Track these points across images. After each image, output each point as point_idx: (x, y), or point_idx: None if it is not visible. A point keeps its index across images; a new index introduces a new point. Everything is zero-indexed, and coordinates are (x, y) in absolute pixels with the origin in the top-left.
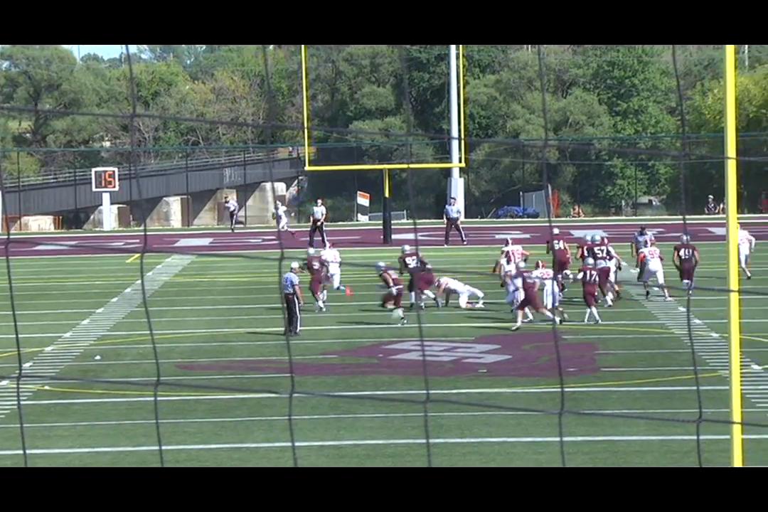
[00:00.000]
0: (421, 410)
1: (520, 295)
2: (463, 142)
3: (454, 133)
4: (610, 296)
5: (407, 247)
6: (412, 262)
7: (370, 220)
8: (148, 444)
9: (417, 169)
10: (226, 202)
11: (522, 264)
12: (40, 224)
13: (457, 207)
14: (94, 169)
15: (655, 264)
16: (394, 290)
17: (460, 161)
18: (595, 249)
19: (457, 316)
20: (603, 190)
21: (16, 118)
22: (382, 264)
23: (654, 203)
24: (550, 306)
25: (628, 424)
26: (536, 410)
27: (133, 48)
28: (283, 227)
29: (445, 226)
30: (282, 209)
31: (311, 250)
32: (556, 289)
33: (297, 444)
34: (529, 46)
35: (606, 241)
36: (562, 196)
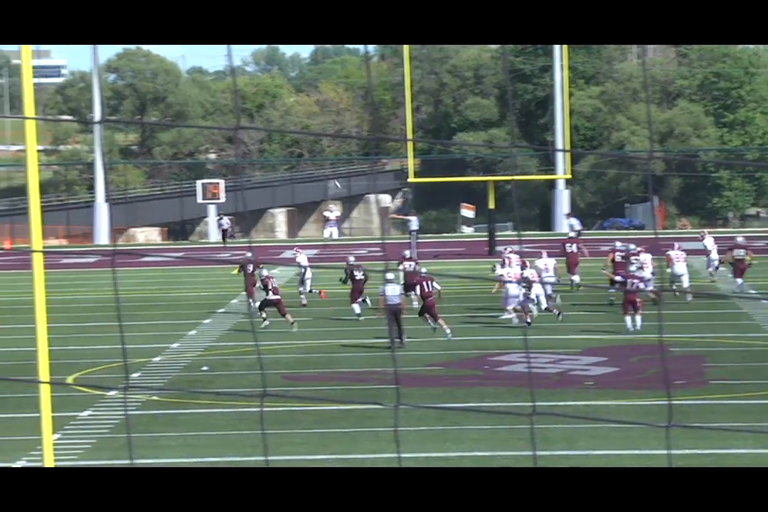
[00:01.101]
0: (527, 422)
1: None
2: (567, 153)
3: (559, 144)
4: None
5: (352, 258)
6: (358, 274)
7: (474, 231)
8: (255, 455)
9: (521, 180)
10: (220, 218)
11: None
12: (147, 236)
13: (572, 221)
14: (199, 181)
15: (680, 268)
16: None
17: (564, 173)
18: (631, 258)
19: (563, 328)
20: (710, 202)
21: (123, 131)
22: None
23: (761, 215)
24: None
25: (736, 437)
26: (643, 423)
27: (237, 60)
28: (331, 234)
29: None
30: (335, 213)
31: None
32: (516, 291)
33: (403, 455)
34: (635, 57)
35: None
36: (669, 207)
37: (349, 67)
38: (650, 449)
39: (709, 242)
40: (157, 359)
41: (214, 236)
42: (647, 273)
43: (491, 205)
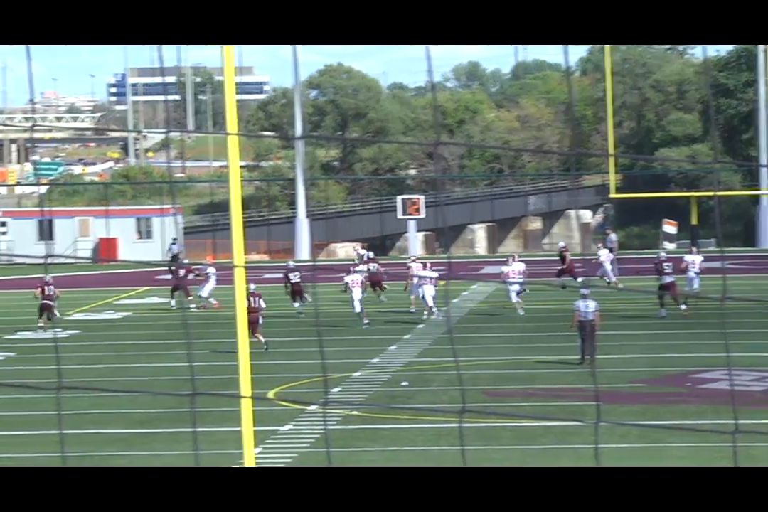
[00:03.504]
0: (730, 440)
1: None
2: None
3: (763, 160)
4: (683, 306)
5: (291, 263)
6: (294, 277)
7: (677, 247)
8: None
9: (724, 196)
10: (173, 244)
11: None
12: (347, 251)
13: None
14: (399, 197)
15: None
16: None
17: None
18: (663, 264)
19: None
20: None
21: (324, 147)
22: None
23: None
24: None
25: None
26: None
27: (438, 76)
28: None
29: None
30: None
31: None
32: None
33: None
34: None
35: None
36: None
37: (550, 82)
38: None
39: None
40: (357, 374)
41: (414, 251)
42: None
43: (694, 221)
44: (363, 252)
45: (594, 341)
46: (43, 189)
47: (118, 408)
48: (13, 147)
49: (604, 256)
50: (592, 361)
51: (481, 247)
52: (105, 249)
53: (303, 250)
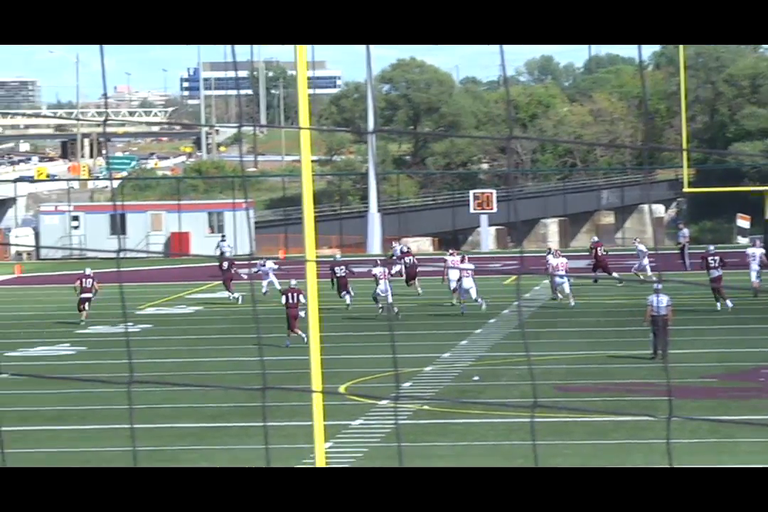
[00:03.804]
0: None
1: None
2: None
3: None
4: (729, 302)
5: (338, 256)
6: (340, 271)
7: (750, 242)
8: (525, 465)
9: None
10: (223, 240)
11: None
12: (419, 245)
13: None
14: (472, 191)
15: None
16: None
17: None
18: (709, 258)
19: None
20: None
21: (396, 141)
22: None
23: None
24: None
25: None
26: None
27: (511, 70)
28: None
29: None
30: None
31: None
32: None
33: (675, 467)
34: None
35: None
36: None
37: (624, 76)
38: None
39: None
40: (428, 369)
41: (486, 246)
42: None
43: (767, 216)
44: (398, 245)
45: (666, 336)
46: (116, 183)
47: (189, 402)
48: (86, 141)
49: (642, 249)
50: (664, 356)
51: (553, 241)
52: (177, 243)
53: (374, 244)
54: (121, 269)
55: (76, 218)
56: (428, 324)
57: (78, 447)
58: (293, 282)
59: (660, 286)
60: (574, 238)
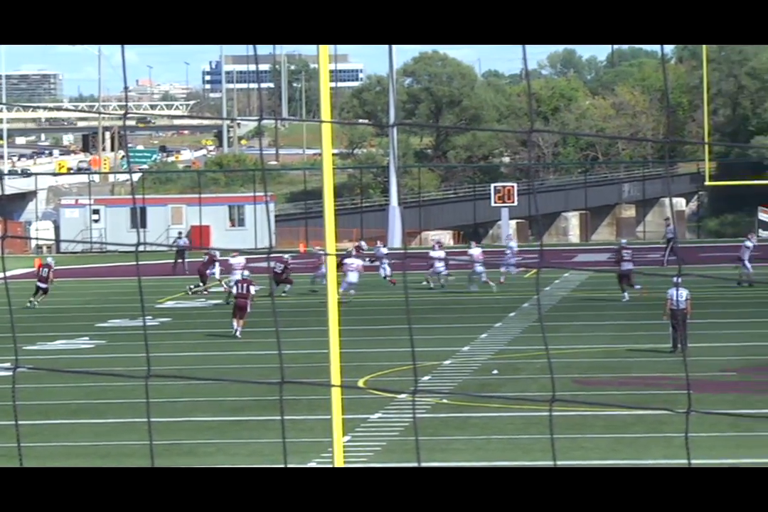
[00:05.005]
0: None
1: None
2: None
3: None
4: (626, 295)
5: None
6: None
7: None
8: (543, 459)
9: None
10: (179, 237)
11: None
12: (440, 238)
13: None
14: (493, 185)
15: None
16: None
17: None
18: (623, 252)
19: None
20: None
21: (418, 134)
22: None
23: None
24: None
25: None
26: None
27: (533, 63)
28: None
29: None
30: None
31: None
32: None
33: (694, 461)
34: None
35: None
36: None
37: (646, 69)
38: None
39: None
40: (447, 362)
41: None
42: None
43: None
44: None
45: (686, 329)
46: (136, 176)
47: (208, 395)
48: (107, 135)
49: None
50: (684, 350)
51: (574, 234)
52: (197, 236)
53: (395, 237)
54: (140, 262)
55: (96, 211)
56: (448, 317)
57: (96, 440)
58: (245, 273)
59: (680, 280)
60: (595, 231)
